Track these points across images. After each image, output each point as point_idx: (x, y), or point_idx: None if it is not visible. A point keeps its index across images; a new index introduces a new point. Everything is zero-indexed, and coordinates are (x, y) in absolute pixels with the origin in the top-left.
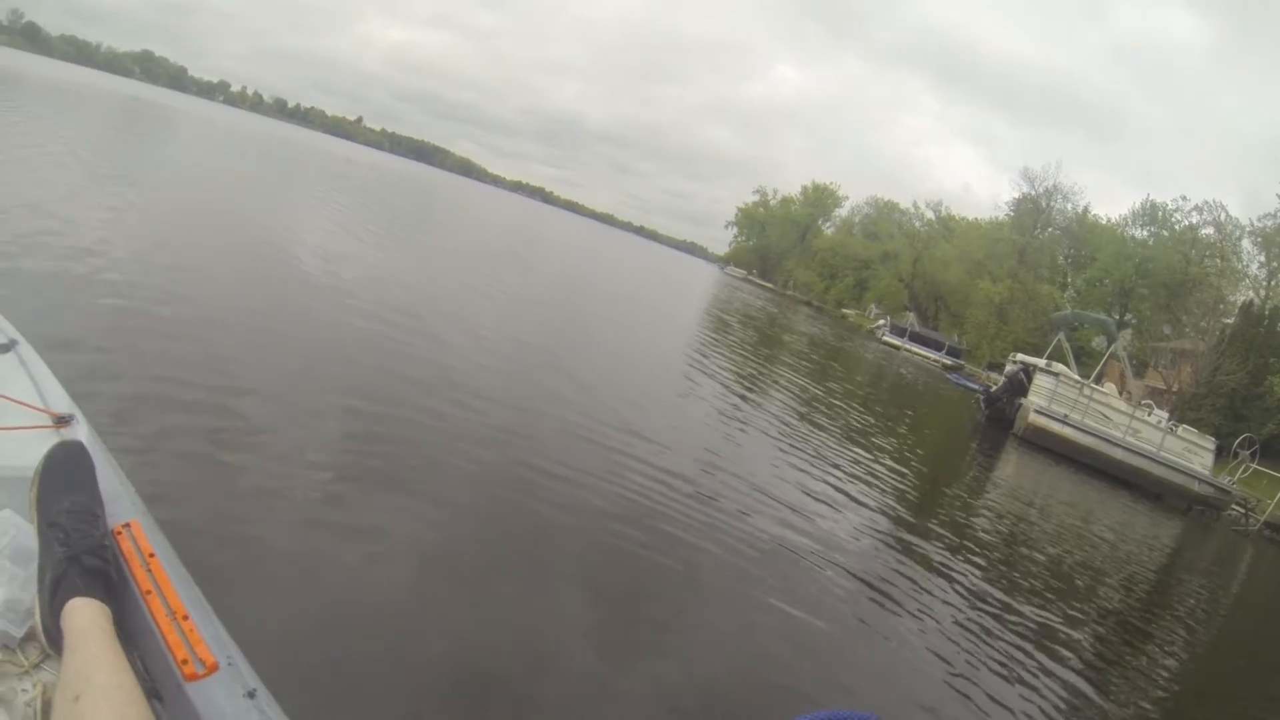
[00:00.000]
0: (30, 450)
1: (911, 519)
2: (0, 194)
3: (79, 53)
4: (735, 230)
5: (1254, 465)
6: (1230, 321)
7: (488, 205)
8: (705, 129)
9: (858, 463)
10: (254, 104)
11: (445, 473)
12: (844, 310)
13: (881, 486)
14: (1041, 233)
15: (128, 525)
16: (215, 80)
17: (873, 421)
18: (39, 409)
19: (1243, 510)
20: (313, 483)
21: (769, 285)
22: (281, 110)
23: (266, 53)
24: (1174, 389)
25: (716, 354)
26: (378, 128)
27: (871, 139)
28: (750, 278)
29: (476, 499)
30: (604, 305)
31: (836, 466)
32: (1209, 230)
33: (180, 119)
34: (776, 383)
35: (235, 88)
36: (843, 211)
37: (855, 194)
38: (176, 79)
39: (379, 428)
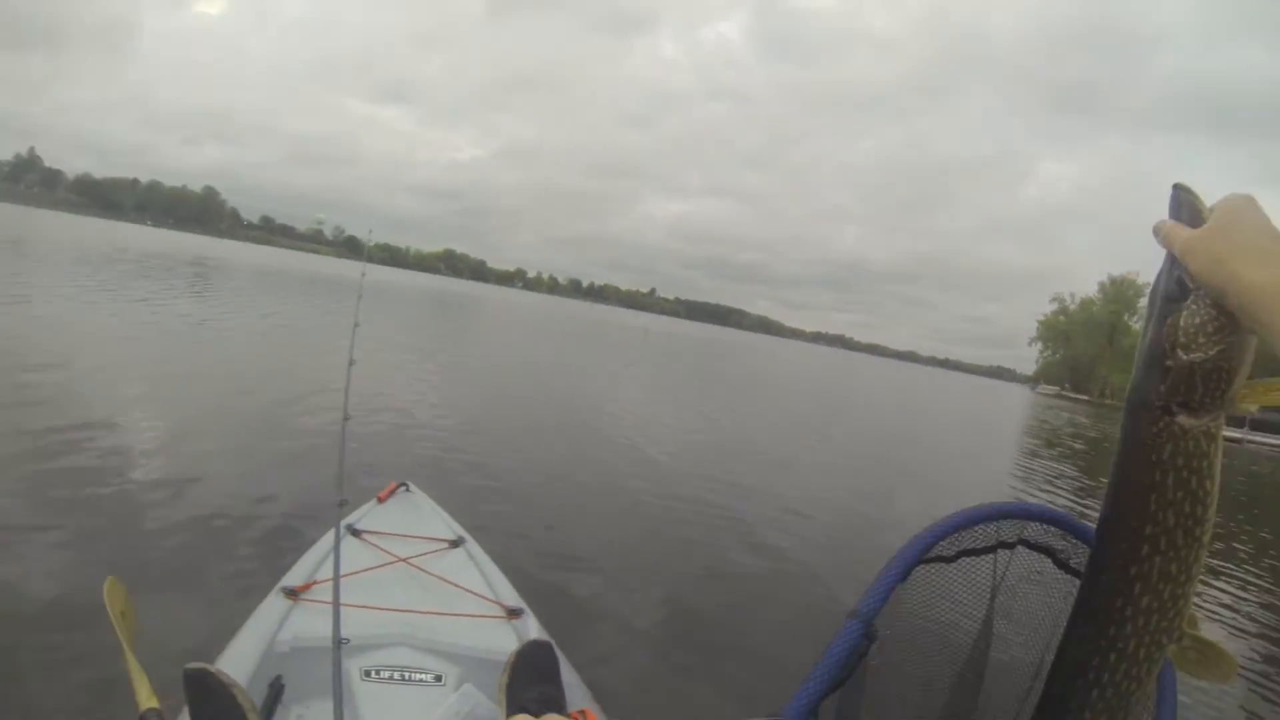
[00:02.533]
0: (484, 636)
1: None
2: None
3: (392, 256)
4: (1039, 346)
5: None
6: None
7: (792, 359)
8: (987, 248)
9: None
10: (550, 287)
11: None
12: None
13: None
14: None
15: (582, 712)
16: (513, 269)
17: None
18: (491, 600)
19: None
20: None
21: (1083, 398)
22: (577, 290)
23: (556, 240)
24: None
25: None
26: (671, 296)
27: (1159, 210)
28: (1064, 393)
29: None
30: (921, 445)
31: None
32: None
33: (489, 305)
34: None
35: (531, 274)
36: None
37: None
38: (477, 271)
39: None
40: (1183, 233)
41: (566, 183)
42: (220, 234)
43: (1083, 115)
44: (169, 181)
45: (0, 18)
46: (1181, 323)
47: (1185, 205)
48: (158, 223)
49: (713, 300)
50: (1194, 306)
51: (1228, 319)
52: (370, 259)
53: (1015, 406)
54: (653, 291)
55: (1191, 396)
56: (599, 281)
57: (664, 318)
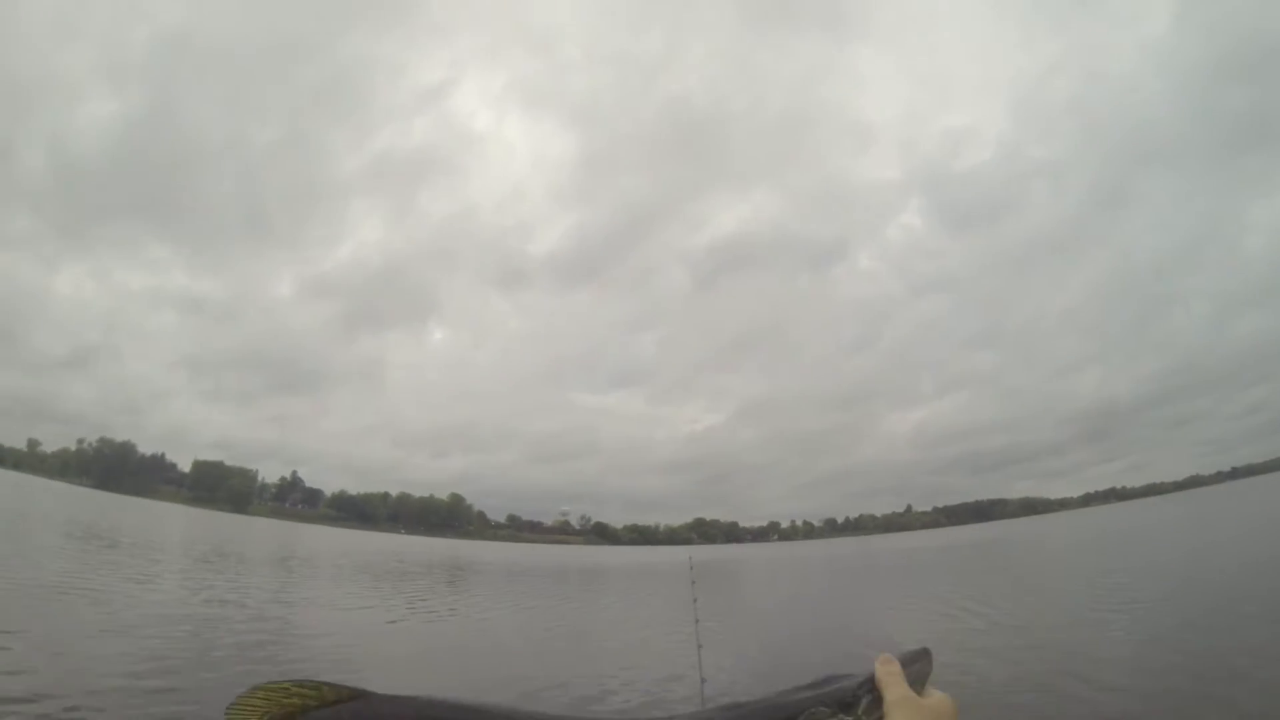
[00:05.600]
0: None
1: None
2: None
3: (641, 536)
4: None
5: None
6: None
7: (1063, 532)
8: (1232, 327)
9: None
10: (806, 532)
11: None
12: None
13: None
14: None
15: None
16: (764, 524)
17: None
18: None
19: None
20: None
21: None
22: (833, 528)
23: (806, 484)
24: None
25: None
26: (928, 508)
27: None
28: None
29: None
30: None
31: None
32: None
33: (748, 564)
34: None
35: (785, 524)
36: None
37: None
38: (730, 533)
39: None
40: (902, 687)
41: (805, 425)
42: (469, 535)
43: (1262, 149)
44: (417, 492)
45: (278, 370)
46: None
47: (920, 659)
48: (410, 530)
49: (970, 498)
50: None
51: None
52: (619, 541)
53: None
54: (908, 509)
55: None
56: (853, 514)
57: (925, 531)
